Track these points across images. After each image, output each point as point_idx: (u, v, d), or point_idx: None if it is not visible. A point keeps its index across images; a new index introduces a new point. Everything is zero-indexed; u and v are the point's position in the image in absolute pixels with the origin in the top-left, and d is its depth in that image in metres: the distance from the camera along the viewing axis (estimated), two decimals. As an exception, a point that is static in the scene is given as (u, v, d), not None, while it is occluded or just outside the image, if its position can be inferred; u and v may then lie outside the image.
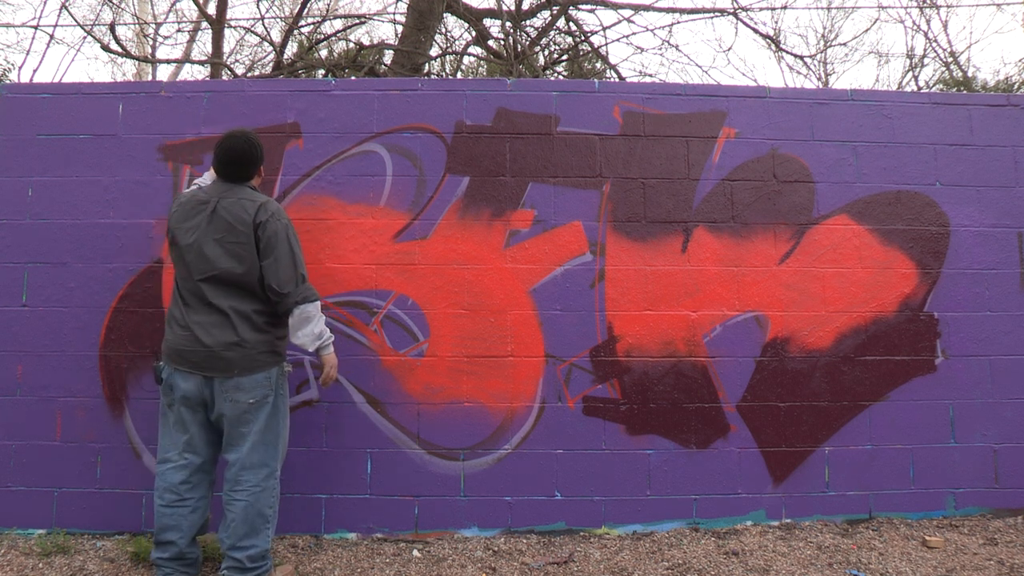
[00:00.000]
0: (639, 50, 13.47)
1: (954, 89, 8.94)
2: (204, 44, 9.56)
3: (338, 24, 7.57)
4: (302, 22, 6.51)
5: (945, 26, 13.05)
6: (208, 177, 2.50)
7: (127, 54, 5.87)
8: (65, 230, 2.90)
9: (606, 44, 8.63)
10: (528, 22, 6.43)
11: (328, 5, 9.05)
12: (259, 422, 2.27)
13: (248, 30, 7.79)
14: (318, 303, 2.33)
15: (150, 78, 9.67)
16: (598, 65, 7.23)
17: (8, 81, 6.88)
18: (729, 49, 15.11)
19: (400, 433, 2.88)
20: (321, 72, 6.47)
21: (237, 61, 8.29)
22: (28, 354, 2.85)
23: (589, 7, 6.34)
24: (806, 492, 2.96)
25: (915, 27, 16.07)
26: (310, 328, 2.31)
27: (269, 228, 2.25)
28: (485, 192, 2.99)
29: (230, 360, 2.22)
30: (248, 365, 2.24)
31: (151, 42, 8.85)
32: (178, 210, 2.32)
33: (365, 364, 2.90)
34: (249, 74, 7.40)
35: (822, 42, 11.91)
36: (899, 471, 2.99)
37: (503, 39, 5.88)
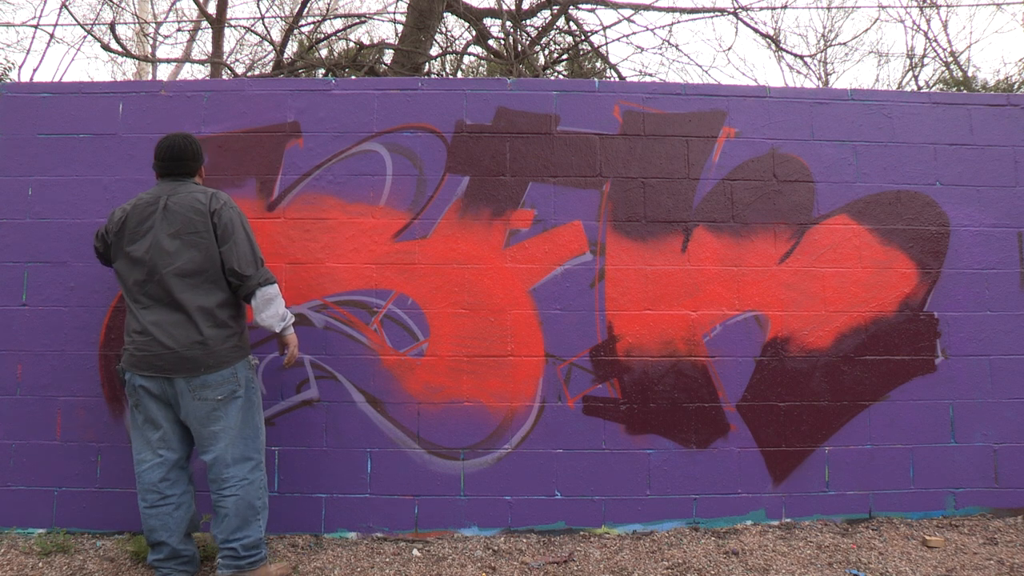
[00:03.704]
0: (639, 50, 13.49)
1: (954, 89, 8.94)
2: (204, 43, 9.57)
3: (338, 23, 7.58)
4: (302, 21, 6.51)
5: (945, 26, 13.05)
6: None
7: (127, 53, 5.87)
8: (65, 230, 2.90)
9: (606, 44, 8.62)
10: (528, 22, 6.44)
11: (328, 4, 9.05)
12: (231, 418, 2.27)
13: (248, 29, 7.79)
14: (277, 285, 2.35)
15: (150, 77, 9.67)
16: (598, 64, 7.23)
17: (8, 80, 6.88)
18: (729, 49, 15.11)
19: (400, 432, 2.89)
20: (321, 72, 6.47)
21: (237, 61, 8.30)
22: (28, 354, 2.85)
23: (589, 7, 6.35)
24: (806, 492, 2.96)
25: (915, 27, 16.08)
26: (274, 309, 2.33)
27: (224, 215, 2.29)
28: (485, 192, 2.99)
29: (195, 359, 2.22)
30: (214, 362, 2.24)
31: (151, 41, 8.85)
32: (127, 217, 2.31)
33: (365, 363, 2.90)
34: (249, 73, 7.40)
35: (822, 42, 11.92)
36: (899, 471, 2.99)
37: (503, 39, 5.88)
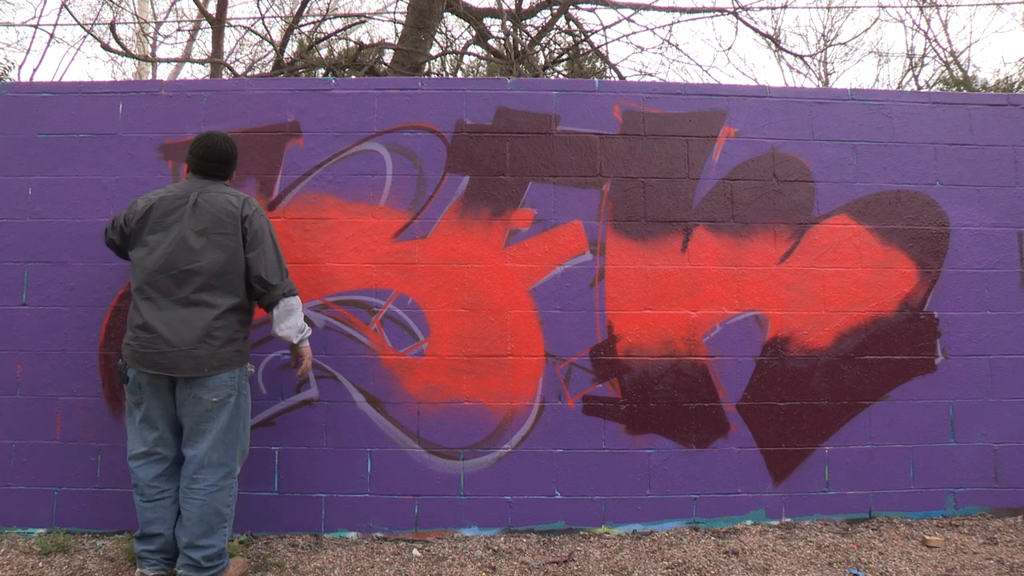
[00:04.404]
0: (639, 49, 13.52)
1: (954, 89, 8.94)
2: (204, 43, 9.57)
3: (338, 23, 7.58)
4: (302, 21, 6.51)
5: (945, 26, 13.07)
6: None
7: (127, 53, 5.87)
8: (65, 229, 2.90)
9: (606, 43, 8.62)
10: (528, 21, 6.44)
11: (328, 4, 9.05)
12: (220, 421, 2.27)
13: (248, 29, 7.79)
14: (299, 297, 2.39)
15: (150, 77, 9.67)
16: (598, 64, 7.24)
17: (8, 80, 6.88)
18: (729, 48, 15.14)
19: (400, 432, 2.89)
20: (321, 71, 6.47)
21: (237, 60, 8.30)
22: (28, 354, 2.85)
23: (589, 6, 6.35)
24: (806, 491, 2.96)
25: (915, 27, 16.08)
26: (294, 320, 2.35)
27: (255, 222, 2.31)
28: (485, 191, 2.99)
29: (199, 358, 2.22)
30: (216, 364, 2.24)
31: (151, 41, 8.85)
32: (151, 208, 2.29)
33: (365, 363, 2.90)
34: (249, 73, 7.40)
35: (822, 41, 11.93)
36: (899, 470, 2.99)
37: (503, 38, 5.88)
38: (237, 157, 2.47)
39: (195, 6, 6.23)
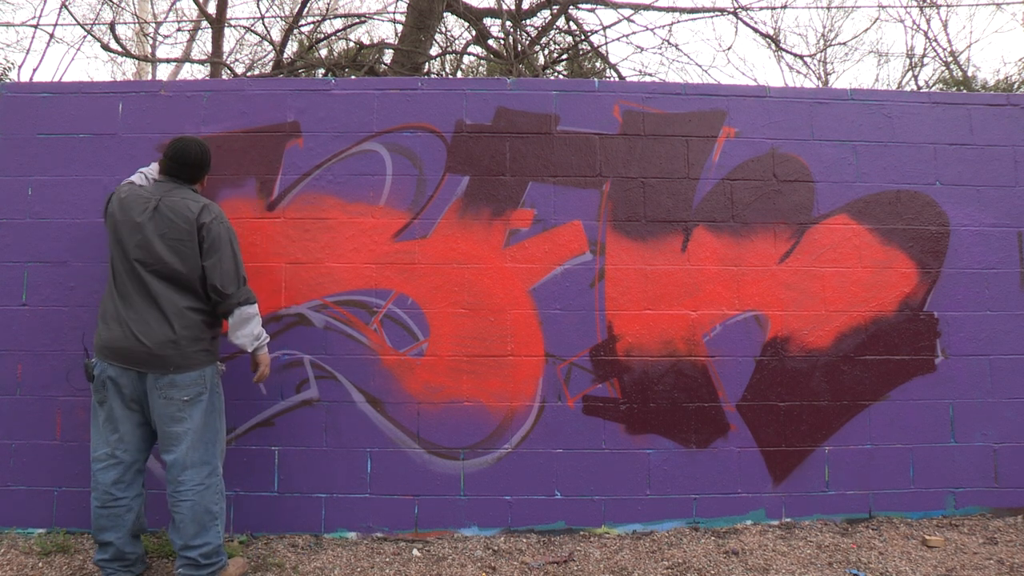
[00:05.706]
0: (639, 49, 13.52)
1: (954, 89, 8.94)
2: (204, 43, 9.57)
3: (338, 23, 7.58)
4: (302, 21, 6.51)
5: (945, 26, 13.08)
6: (153, 169, 2.49)
7: (127, 53, 5.87)
8: (65, 229, 2.90)
9: (606, 43, 8.64)
10: (528, 21, 6.44)
11: (328, 4, 9.04)
12: (194, 420, 2.27)
13: (248, 29, 7.78)
14: (256, 305, 2.38)
15: (150, 77, 9.67)
16: (598, 64, 7.24)
17: (8, 80, 6.87)
18: (729, 48, 15.15)
19: (400, 432, 2.89)
20: (321, 71, 6.47)
21: (237, 60, 8.29)
22: (28, 354, 2.85)
23: (589, 6, 6.35)
24: (806, 491, 2.96)
25: (915, 27, 16.09)
26: (249, 328, 2.36)
27: (213, 230, 2.30)
28: (485, 191, 2.99)
29: (166, 358, 2.23)
30: (183, 363, 2.25)
31: (151, 41, 8.85)
32: (120, 204, 2.33)
33: (365, 363, 2.90)
34: (249, 73, 7.40)
35: (822, 41, 11.92)
36: (899, 470, 2.99)
37: (503, 38, 5.88)
38: (208, 163, 2.47)
39: (195, 6, 6.23)
